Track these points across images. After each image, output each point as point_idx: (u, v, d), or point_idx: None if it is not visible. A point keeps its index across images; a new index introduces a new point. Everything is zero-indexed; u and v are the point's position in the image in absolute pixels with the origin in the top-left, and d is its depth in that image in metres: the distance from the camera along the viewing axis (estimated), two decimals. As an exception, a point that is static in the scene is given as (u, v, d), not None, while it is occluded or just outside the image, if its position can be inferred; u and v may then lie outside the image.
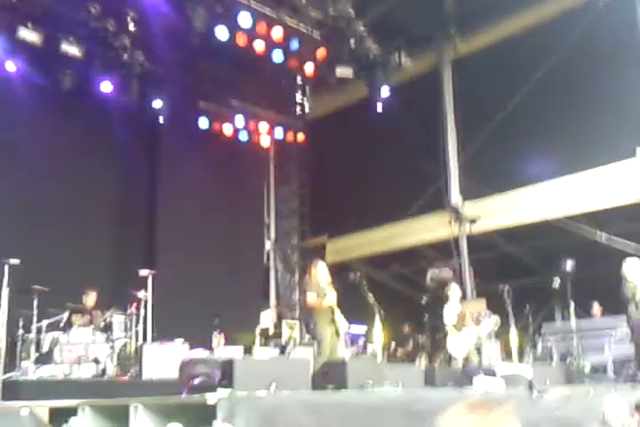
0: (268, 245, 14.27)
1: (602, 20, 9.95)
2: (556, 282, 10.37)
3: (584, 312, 10.28)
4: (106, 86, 10.90)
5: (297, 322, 9.33)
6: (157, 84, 11.37)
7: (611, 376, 8.76)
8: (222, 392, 4.39)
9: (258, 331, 9.64)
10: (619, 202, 10.33)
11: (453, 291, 9.37)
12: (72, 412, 4.81)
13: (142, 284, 8.78)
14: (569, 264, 10.50)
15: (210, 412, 4.14)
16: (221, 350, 8.78)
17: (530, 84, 11.15)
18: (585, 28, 10.21)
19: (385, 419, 4.89)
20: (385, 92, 11.89)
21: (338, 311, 8.38)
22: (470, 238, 12.11)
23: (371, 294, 8.12)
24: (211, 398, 4.21)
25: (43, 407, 4.85)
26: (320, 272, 8.33)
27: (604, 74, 10.23)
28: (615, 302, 10.35)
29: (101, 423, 4.73)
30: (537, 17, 11.33)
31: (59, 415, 4.83)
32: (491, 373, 6.72)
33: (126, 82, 10.88)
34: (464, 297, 11.35)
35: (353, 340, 9.65)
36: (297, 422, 4.43)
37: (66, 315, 8.50)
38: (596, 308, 10.54)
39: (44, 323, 8.19)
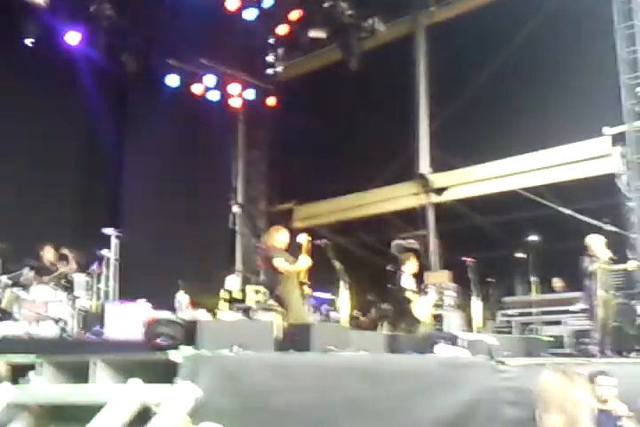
0: (235, 208, 14.13)
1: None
2: (520, 255, 10.53)
3: (546, 286, 10.45)
4: (71, 37, 10.53)
5: (262, 286, 9.26)
6: (126, 38, 11.01)
7: (568, 350, 8.95)
8: (186, 350, 4.32)
9: (222, 294, 9.56)
10: (584, 175, 10.42)
11: (409, 264, 9.37)
12: (31, 367, 4.72)
13: (106, 243, 8.63)
14: (533, 238, 10.65)
15: (172, 370, 4.08)
16: (185, 311, 8.71)
17: (502, 55, 11.11)
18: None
19: (348, 380, 4.91)
20: (358, 56, 11.76)
21: (305, 277, 8.37)
22: (438, 209, 12.16)
23: (337, 262, 8.11)
24: (174, 355, 4.15)
25: (0, 362, 4.73)
26: (278, 239, 8.25)
27: (576, 48, 10.21)
28: (577, 277, 10.58)
29: (61, 379, 4.66)
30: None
31: (18, 371, 4.74)
32: (452, 340, 6.77)
33: (93, 35, 10.53)
34: (429, 268, 11.47)
35: (317, 306, 9.67)
36: (261, 382, 4.40)
37: (25, 271, 8.32)
38: (558, 282, 10.70)
39: (2, 278, 8.01)
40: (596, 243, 8.41)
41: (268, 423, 4.33)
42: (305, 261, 8.13)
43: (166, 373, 4.12)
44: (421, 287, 9.38)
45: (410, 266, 9.29)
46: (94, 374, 4.47)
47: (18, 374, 4.75)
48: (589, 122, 10.25)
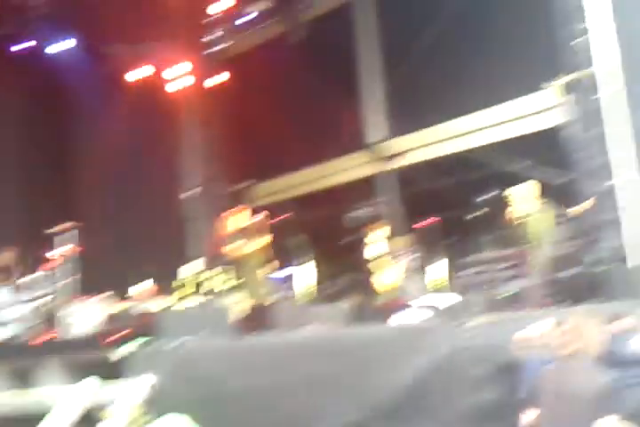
0: (192, 192, 13.97)
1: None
2: (479, 214, 10.59)
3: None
4: (3, 28, 10.25)
5: (223, 269, 9.24)
6: (57, 27, 10.71)
7: (526, 304, 9.06)
8: (133, 345, 4.32)
9: (184, 280, 9.54)
10: (536, 129, 10.45)
11: (378, 233, 9.44)
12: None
13: (60, 240, 8.49)
14: (491, 196, 10.69)
15: (124, 365, 4.08)
16: (147, 301, 8.66)
17: (451, 11, 10.98)
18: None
19: (304, 358, 4.93)
20: (301, 27, 11.62)
21: (264, 255, 8.37)
22: (394, 175, 12.15)
23: (298, 237, 8.12)
24: (123, 350, 4.15)
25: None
26: (240, 219, 8.28)
27: (518, 5, 10.15)
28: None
29: (11, 386, 4.61)
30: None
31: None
32: (413, 305, 6.85)
33: (24, 24, 10.23)
34: (391, 235, 11.50)
35: (280, 282, 9.68)
36: (215, 368, 4.41)
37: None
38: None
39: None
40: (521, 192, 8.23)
41: (226, 408, 4.34)
42: (261, 241, 8.15)
43: (119, 368, 4.11)
44: (393, 255, 9.43)
45: (374, 236, 9.38)
46: (47, 376, 4.43)
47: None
48: (540, 73, 10.23)
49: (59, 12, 10.53)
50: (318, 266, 9.66)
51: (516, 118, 10.78)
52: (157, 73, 12.98)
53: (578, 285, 8.06)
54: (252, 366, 4.64)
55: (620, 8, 8.34)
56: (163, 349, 4.31)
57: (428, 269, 8.98)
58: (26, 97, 10.97)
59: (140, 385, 3.94)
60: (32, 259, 8.79)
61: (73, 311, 7.29)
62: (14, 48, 10.54)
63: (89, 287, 8.28)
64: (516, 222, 8.14)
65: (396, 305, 7.27)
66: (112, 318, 5.98)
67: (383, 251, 9.33)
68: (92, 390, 3.93)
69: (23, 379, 4.60)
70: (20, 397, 4.42)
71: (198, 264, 9.68)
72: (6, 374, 4.64)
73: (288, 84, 12.44)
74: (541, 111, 10.48)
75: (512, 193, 8.33)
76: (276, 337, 5.32)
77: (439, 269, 8.83)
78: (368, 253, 9.25)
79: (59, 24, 10.71)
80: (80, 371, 4.40)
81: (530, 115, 10.64)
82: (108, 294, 7.83)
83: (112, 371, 4.22)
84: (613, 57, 9.37)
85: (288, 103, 12.56)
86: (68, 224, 8.62)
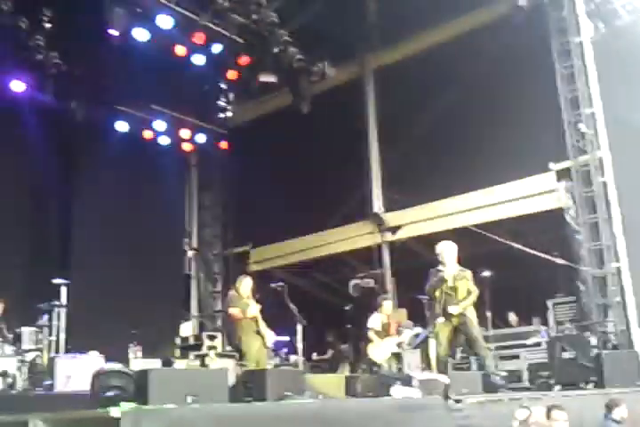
0: (190, 253, 13.98)
1: (518, 33, 10.24)
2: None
3: (501, 321, 10.50)
4: (17, 85, 10.46)
5: (219, 333, 9.16)
6: (73, 85, 10.97)
7: (525, 384, 8.97)
8: (126, 405, 4.22)
9: (177, 342, 9.40)
10: (532, 211, 10.64)
11: (386, 305, 9.47)
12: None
13: (55, 294, 8.43)
14: (486, 274, 10.72)
15: (115, 426, 3.98)
16: (138, 362, 8.50)
17: (450, 95, 11.37)
18: (502, 41, 10.49)
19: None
20: (308, 100, 11.92)
21: (262, 323, 8.36)
22: (392, 248, 12.22)
23: (292, 304, 8.09)
24: (114, 411, 4.05)
25: None
26: (244, 286, 8.43)
27: (520, 88, 10.51)
28: (530, 311, 10.65)
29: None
30: (457, 29, 11.59)
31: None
32: (408, 381, 6.74)
33: (40, 81, 10.48)
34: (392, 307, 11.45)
35: (276, 350, 9.56)
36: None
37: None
38: (513, 317, 10.78)
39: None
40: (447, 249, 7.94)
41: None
42: (255, 308, 8.24)
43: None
44: (396, 329, 9.39)
45: (386, 305, 9.39)
46: (39, 432, 4.31)
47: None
48: (534, 159, 10.51)
49: (75, 74, 10.81)
50: (315, 333, 9.57)
51: (514, 199, 10.95)
52: (168, 133, 13.21)
53: (578, 367, 8.01)
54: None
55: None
56: (149, 411, 4.21)
57: (425, 344, 8.89)
58: (34, 153, 11.11)
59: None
60: (25, 312, 8.68)
61: (67, 366, 7.15)
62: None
63: (82, 344, 8.15)
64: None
65: (390, 379, 7.15)
66: (105, 376, 5.82)
67: (383, 322, 9.30)
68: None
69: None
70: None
71: (195, 324, 9.57)
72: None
73: (293, 153, 12.68)
74: (539, 194, 10.71)
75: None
76: (272, 405, 5.22)
77: (433, 346, 8.72)
78: (375, 323, 9.24)
79: (72, 85, 10.98)
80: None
81: (527, 197, 10.83)
82: (103, 350, 7.68)
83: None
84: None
85: (293, 171, 12.77)
86: (62, 280, 8.60)
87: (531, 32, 10.46)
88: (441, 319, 7.65)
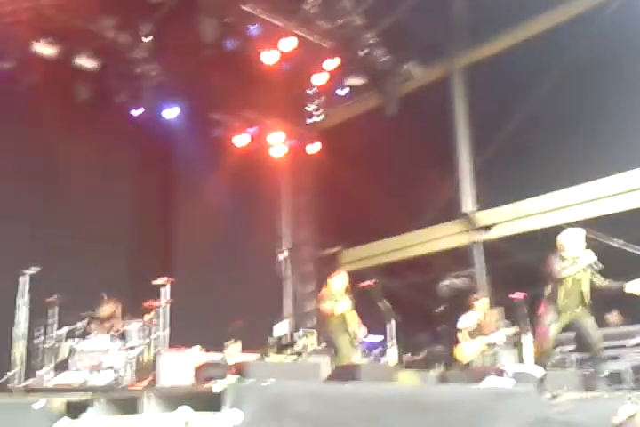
0: (284, 254, 14.28)
1: (614, 23, 9.92)
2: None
3: (602, 321, 10.18)
4: (119, 97, 11.07)
5: (313, 331, 9.35)
6: (170, 95, 11.51)
7: (629, 384, 8.67)
8: (229, 379, 4.45)
9: (272, 340, 9.66)
10: (630, 207, 10.27)
11: (481, 302, 9.38)
12: (88, 405, 4.89)
13: (159, 292, 8.84)
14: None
15: (218, 399, 4.21)
16: (235, 357, 8.79)
17: (541, 91, 11.12)
18: (595, 33, 10.18)
19: (391, 411, 4.88)
20: (396, 101, 11.98)
21: (354, 320, 8.44)
22: (485, 247, 12.08)
23: (386, 303, 8.16)
24: (218, 385, 4.28)
25: (59, 400, 4.89)
26: (336, 282, 8.52)
27: (616, 79, 10.20)
28: (635, 310, 10.27)
29: (116, 413, 4.82)
30: (548, 22, 11.34)
31: (75, 409, 4.89)
32: (500, 373, 6.69)
33: (138, 93, 11.04)
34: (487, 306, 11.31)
35: (369, 349, 9.63)
36: (304, 410, 4.42)
37: (83, 324, 8.56)
38: (614, 317, 10.43)
39: (62, 331, 8.26)
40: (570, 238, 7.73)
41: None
42: (344, 304, 8.31)
43: (213, 401, 4.24)
44: (494, 327, 9.30)
45: (481, 304, 9.30)
46: (146, 406, 4.64)
47: (75, 411, 4.90)
48: (633, 152, 10.15)
49: (169, 81, 11.33)
50: (407, 333, 9.59)
51: (610, 195, 10.61)
52: (260, 138, 13.59)
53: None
54: (337, 412, 4.62)
55: None
56: (249, 387, 4.41)
57: (519, 342, 8.75)
58: (136, 159, 11.76)
59: (226, 420, 4.09)
60: (131, 310, 9.14)
61: (170, 361, 7.49)
62: (133, 112, 11.33)
63: (183, 340, 8.50)
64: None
65: (483, 372, 7.09)
66: (206, 367, 6.10)
67: (479, 319, 9.19)
68: (185, 418, 4.15)
69: (125, 407, 4.80)
70: (121, 421, 4.63)
71: (289, 323, 9.79)
72: (110, 403, 4.87)
73: (383, 154, 12.77)
74: (633, 190, 10.33)
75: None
76: (363, 387, 5.31)
77: (530, 343, 8.57)
78: (466, 323, 9.14)
79: (169, 92, 11.51)
80: (174, 403, 4.56)
81: (625, 192, 10.47)
82: (203, 346, 8.01)
83: (203, 404, 4.37)
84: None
85: (382, 172, 12.86)
86: (165, 279, 8.96)
87: (627, 20, 10.12)
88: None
